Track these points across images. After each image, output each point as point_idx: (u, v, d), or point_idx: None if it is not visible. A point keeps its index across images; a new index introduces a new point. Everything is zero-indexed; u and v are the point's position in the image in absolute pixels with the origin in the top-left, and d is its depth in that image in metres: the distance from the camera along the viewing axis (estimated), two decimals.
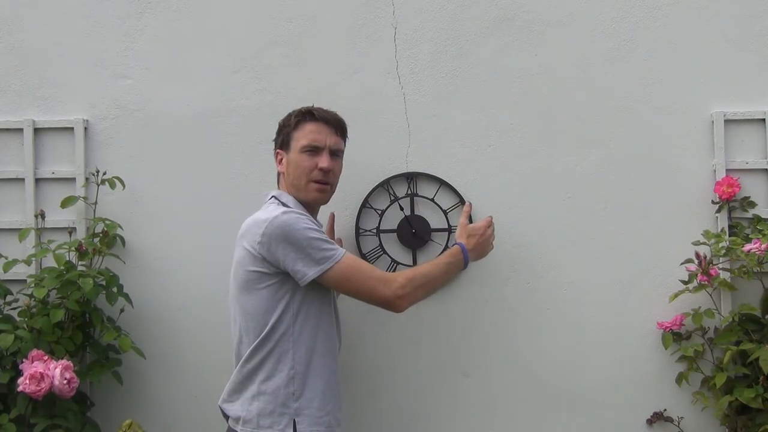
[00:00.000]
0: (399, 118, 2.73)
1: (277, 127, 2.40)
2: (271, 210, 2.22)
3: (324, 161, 2.30)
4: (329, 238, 2.27)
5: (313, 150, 2.30)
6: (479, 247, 2.45)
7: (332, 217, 2.61)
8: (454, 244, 2.43)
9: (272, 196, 2.31)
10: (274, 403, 2.18)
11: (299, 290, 2.21)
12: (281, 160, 2.35)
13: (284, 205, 2.27)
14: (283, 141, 2.35)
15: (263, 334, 2.20)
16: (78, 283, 2.48)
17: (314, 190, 2.31)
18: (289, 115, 2.37)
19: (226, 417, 2.27)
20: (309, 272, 2.17)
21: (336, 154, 2.34)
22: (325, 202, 2.37)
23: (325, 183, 2.31)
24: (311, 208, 2.35)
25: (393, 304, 2.24)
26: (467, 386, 2.70)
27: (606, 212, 2.71)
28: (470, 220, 2.58)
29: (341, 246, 2.49)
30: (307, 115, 2.33)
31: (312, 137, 2.31)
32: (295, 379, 2.19)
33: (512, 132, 2.72)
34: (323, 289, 2.25)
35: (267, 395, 2.19)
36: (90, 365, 2.60)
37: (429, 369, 2.70)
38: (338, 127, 2.36)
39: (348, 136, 2.43)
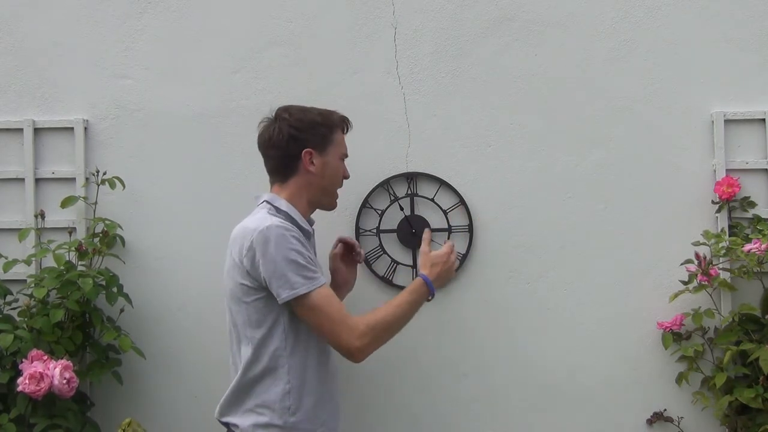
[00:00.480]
0: (399, 118, 2.73)
1: (306, 123, 2.29)
2: (259, 219, 2.17)
3: (347, 172, 2.38)
4: (313, 261, 2.17)
5: (343, 159, 2.36)
6: (443, 275, 2.34)
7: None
8: (416, 276, 2.33)
9: (264, 200, 2.27)
10: (270, 416, 2.16)
11: (287, 305, 2.16)
12: (311, 159, 2.26)
13: (278, 209, 2.23)
14: (319, 141, 2.27)
15: (255, 348, 2.17)
16: (78, 283, 2.48)
17: (336, 199, 2.38)
18: (324, 114, 2.31)
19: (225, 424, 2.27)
20: (282, 294, 2.11)
21: None
22: None
23: None
24: (312, 210, 2.35)
25: (352, 355, 2.16)
26: (467, 386, 2.71)
27: (606, 212, 2.71)
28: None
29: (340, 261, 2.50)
30: (346, 123, 2.37)
31: (346, 147, 2.37)
32: (291, 394, 2.17)
33: (512, 132, 2.73)
34: None
35: (264, 408, 2.17)
36: (90, 365, 2.60)
37: (429, 369, 2.70)
38: None
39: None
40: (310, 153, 2.26)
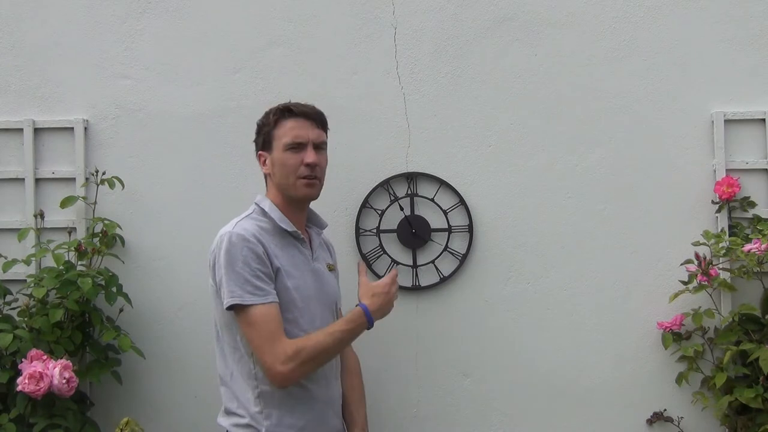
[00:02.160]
0: (399, 118, 2.73)
1: (256, 128, 2.33)
2: (230, 224, 2.20)
3: (309, 156, 2.23)
4: (264, 275, 2.13)
5: (297, 146, 2.23)
6: (384, 306, 2.24)
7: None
8: (356, 305, 2.22)
9: (255, 202, 2.28)
10: (247, 419, 2.16)
11: None
12: (265, 161, 2.28)
13: (262, 211, 2.24)
14: (264, 141, 2.28)
15: (226, 350, 2.19)
16: (77, 283, 2.48)
17: (303, 186, 2.24)
18: (267, 113, 2.30)
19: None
20: (224, 301, 2.13)
21: (320, 147, 2.27)
22: (315, 197, 2.30)
23: (313, 178, 2.25)
24: (300, 205, 2.30)
25: (274, 378, 2.10)
26: (467, 386, 2.70)
27: (606, 212, 2.71)
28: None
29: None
30: (286, 112, 2.27)
31: (294, 134, 2.24)
32: (262, 398, 2.15)
33: (512, 132, 2.73)
34: (280, 302, 2.16)
35: (241, 410, 2.17)
36: (89, 365, 2.59)
37: (429, 369, 2.70)
38: (318, 119, 2.29)
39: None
40: (261, 156, 2.30)
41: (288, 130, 2.25)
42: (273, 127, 2.27)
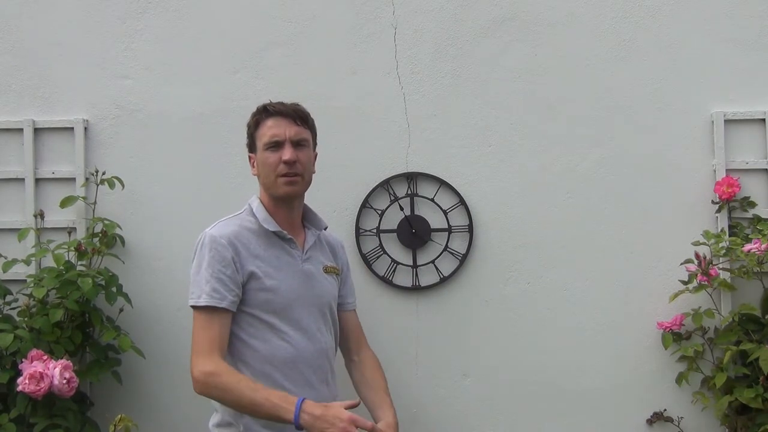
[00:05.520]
0: (399, 118, 2.73)
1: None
2: (213, 224, 2.24)
3: (286, 153, 2.22)
4: (230, 280, 2.15)
5: (275, 145, 2.23)
6: (319, 427, 2.04)
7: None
8: (301, 400, 2.06)
9: (248, 202, 2.31)
10: (223, 415, 2.18)
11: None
12: (254, 163, 2.30)
13: (251, 210, 2.27)
14: (250, 143, 2.31)
15: None
16: (77, 283, 2.48)
17: (283, 185, 2.23)
18: (251, 115, 2.32)
19: None
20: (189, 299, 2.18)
21: (300, 144, 2.25)
22: (298, 194, 2.28)
23: (294, 175, 2.23)
24: (286, 204, 2.28)
25: (193, 380, 2.12)
26: (467, 386, 2.70)
27: (606, 212, 2.71)
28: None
29: None
30: (264, 112, 2.28)
31: (271, 133, 2.24)
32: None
33: (512, 132, 2.73)
34: (258, 303, 2.18)
35: (222, 408, 2.18)
36: (89, 365, 2.59)
37: (429, 369, 2.70)
38: (297, 117, 2.27)
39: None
40: (250, 157, 2.31)
41: (266, 130, 2.25)
42: (254, 129, 2.29)
